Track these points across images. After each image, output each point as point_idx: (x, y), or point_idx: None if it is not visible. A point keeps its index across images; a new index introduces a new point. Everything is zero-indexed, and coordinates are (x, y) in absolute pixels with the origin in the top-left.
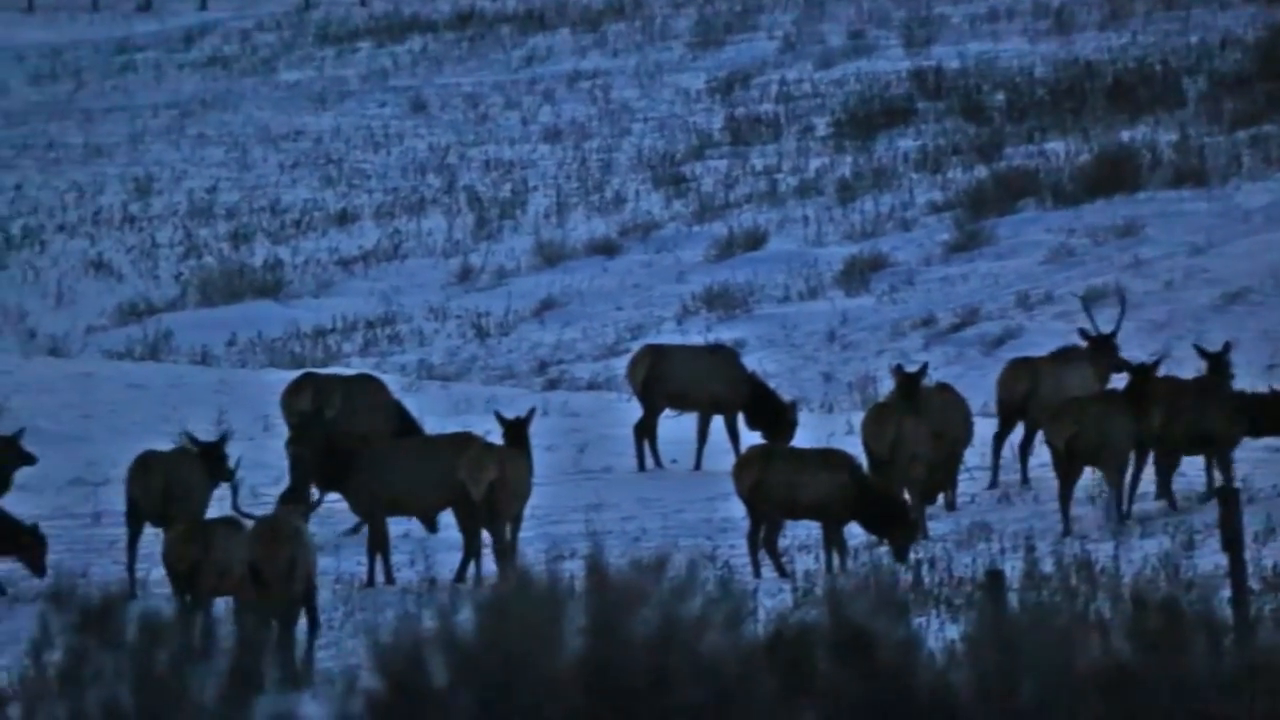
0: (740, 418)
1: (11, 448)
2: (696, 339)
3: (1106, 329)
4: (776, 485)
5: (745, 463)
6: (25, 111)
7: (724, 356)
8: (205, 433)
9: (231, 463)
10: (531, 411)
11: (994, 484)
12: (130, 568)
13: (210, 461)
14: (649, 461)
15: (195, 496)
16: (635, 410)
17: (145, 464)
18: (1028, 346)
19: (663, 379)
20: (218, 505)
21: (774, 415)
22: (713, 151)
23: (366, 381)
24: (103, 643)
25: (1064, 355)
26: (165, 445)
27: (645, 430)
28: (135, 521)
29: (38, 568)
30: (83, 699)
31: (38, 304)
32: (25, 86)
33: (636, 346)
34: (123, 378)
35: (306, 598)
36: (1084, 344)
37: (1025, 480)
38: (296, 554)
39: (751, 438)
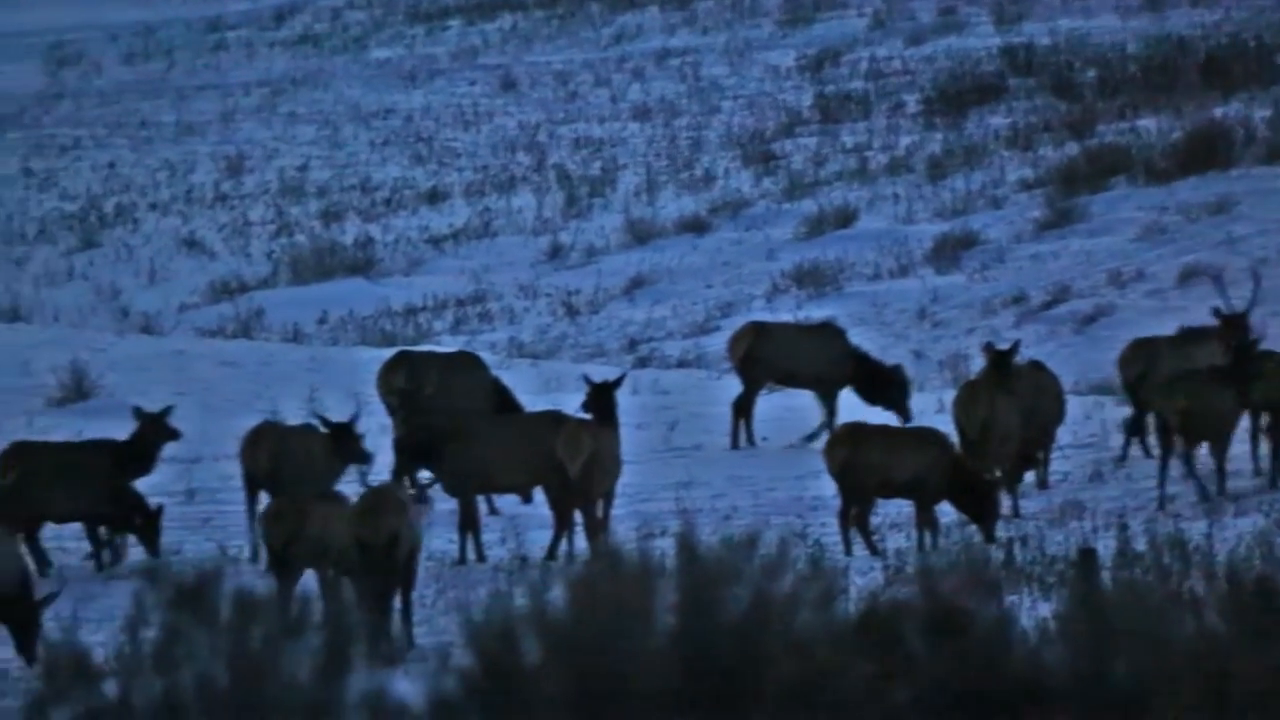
0: (849, 394)
1: (160, 425)
2: (786, 317)
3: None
4: (869, 463)
5: (837, 441)
6: (118, 90)
7: (830, 333)
8: (340, 410)
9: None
10: (623, 376)
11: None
12: (252, 535)
13: (340, 441)
14: (741, 439)
15: (310, 473)
16: (725, 387)
17: (256, 436)
18: (1119, 325)
19: (765, 356)
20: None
21: (885, 384)
22: (802, 129)
23: (464, 359)
24: (197, 620)
25: (1193, 335)
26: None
27: (743, 407)
28: (250, 491)
29: (153, 546)
30: (177, 676)
31: (131, 282)
32: (118, 65)
33: (726, 324)
34: (215, 355)
35: (407, 574)
36: (1212, 322)
37: (1123, 458)
38: (400, 529)
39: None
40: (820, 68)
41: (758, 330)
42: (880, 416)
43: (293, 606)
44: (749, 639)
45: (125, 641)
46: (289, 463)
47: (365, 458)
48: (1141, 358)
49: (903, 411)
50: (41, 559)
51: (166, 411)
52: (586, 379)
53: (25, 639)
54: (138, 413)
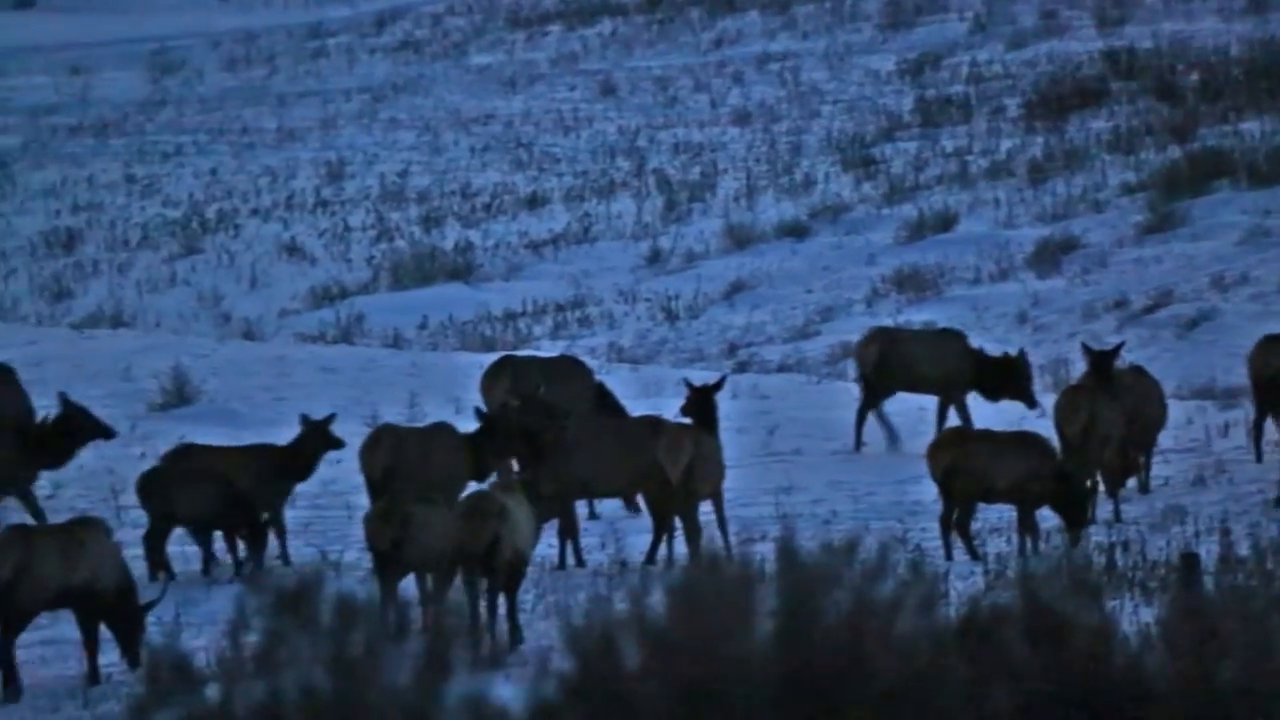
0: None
1: (323, 432)
2: (886, 321)
3: None
4: (972, 468)
5: (940, 445)
6: (220, 97)
7: (953, 338)
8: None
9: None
10: (722, 379)
11: (1259, 458)
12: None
13: (483, 446)
14: (841, 444)
15: (429, 475)
16: (824, 392)
17: (376, 438)
18: (1222, 329)
19: (893, 362)
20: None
21: (1010, 377)
22: (902, 133)
23: (568, 363)
24: (298, 624)
25: None
26: (357, 428)
27: (866, 412)
28: (373, 495)
29: (258, 556)
30: (278, 680)
31: (232, 287)
32: (220, 72)
33: (826, 329)
34: (315, 361)
35: (510, 577)
36: None
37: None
38: (501, 532)
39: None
40: (921, 72)
41: (884, 336)
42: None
43: (393, 611)
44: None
45: (227, 646)
46: (404, 463)
47: (492, 468)
48: (1276, 353)
49: (1029, 399)
50: (163, 563)
51: (329, 420)
52: (687, 383)
53: (128, 642)
54: (304, 420)
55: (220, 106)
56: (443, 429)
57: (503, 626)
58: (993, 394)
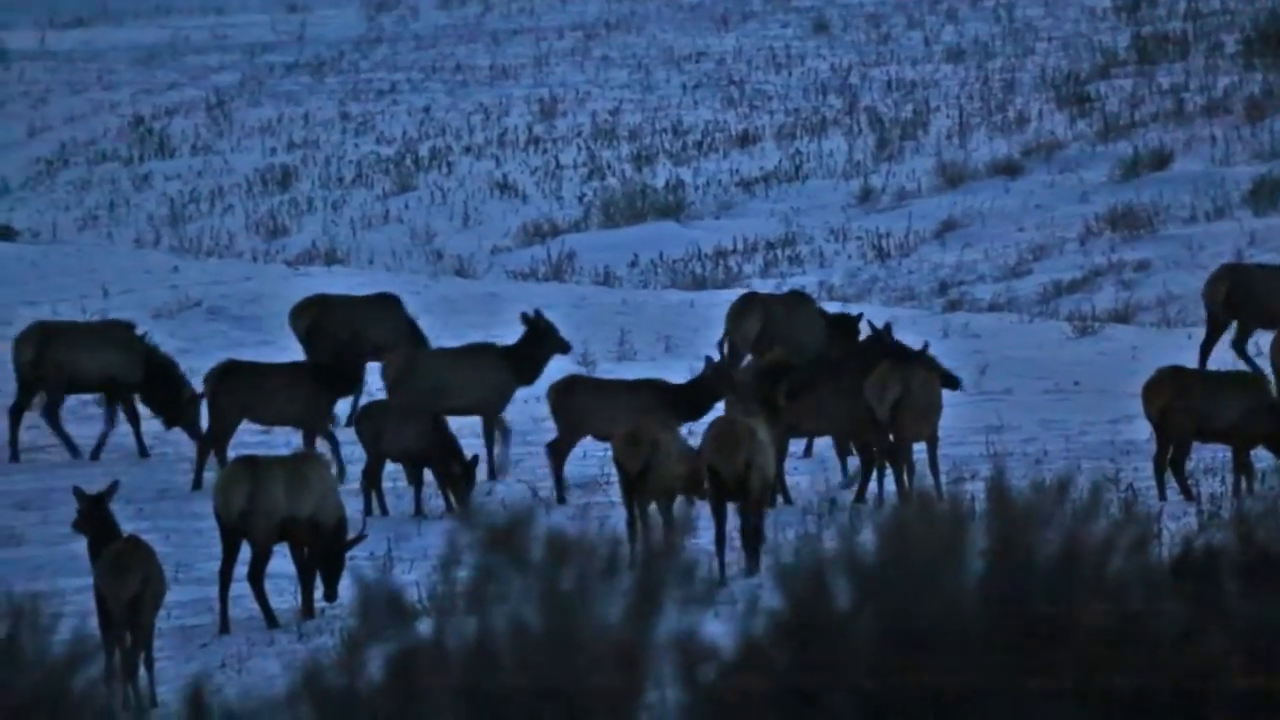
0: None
1: (552, 333)
2: (1100, 260)
3: None
4: (1189, 408)
5: (1156, 385)
6: (434, 34)
7: None
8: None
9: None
10: (925, 346)
11: None
12: None
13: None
14: (1053, 383)
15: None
16: (1035, 331)
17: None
18: None
19: (1240, 298)
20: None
21: None
22: (1118, 70)
23: (799, 298)
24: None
25: None
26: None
27: (1209, 349)
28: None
29: (463, 500)
30: (489, 616)
31: (445, 225)
32: (434, 10)
33: (1038, 267)
34: (527, 298)
35: (759, 502)
36: None
37: None
38: (754, 457)
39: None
40: (1137, 8)
41: (1234, 271)
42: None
43: (639, 534)
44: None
45: (439, 581)
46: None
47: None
48: None
49: None
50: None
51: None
52: (870, 325)
53: (333, 576)
54: (525, 318)
55: (434, 44)
56: (652, 384)
57: (743, 549)
58: None
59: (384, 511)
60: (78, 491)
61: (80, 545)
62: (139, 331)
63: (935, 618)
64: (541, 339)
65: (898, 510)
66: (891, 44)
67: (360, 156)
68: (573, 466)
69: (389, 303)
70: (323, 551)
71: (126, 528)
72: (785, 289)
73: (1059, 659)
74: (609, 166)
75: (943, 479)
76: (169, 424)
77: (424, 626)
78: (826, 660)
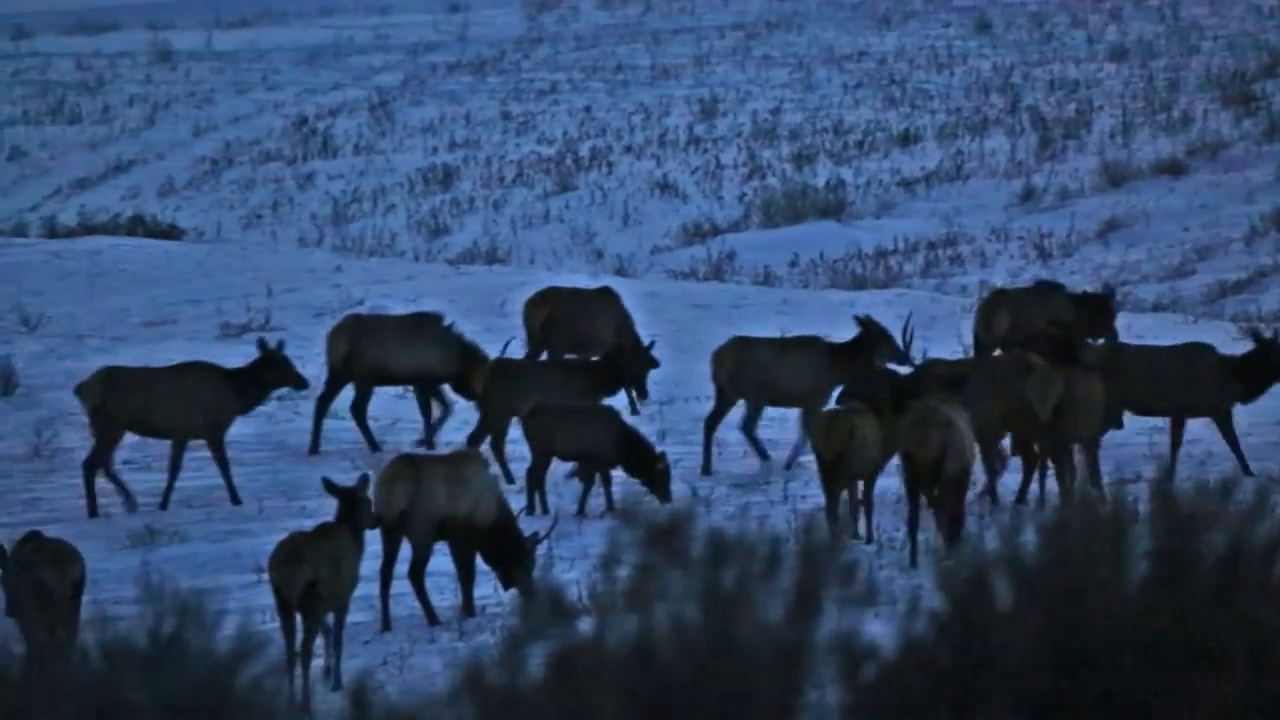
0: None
1: (638, 350)
2: (1267, 260)
3: None
4: None
5: None
6: (595, 34)
7: None
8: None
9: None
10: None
11: None
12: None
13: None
14: None
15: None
16: (1199, 332)
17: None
18: None
19: None
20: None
21: None
22: None
23: (1048, 290)
24: (670, 559)
25: None
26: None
27: None
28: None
29: (664, 493)
30: (650, 614)
31: (605, 224)
32: (595, 10)
33: (1202, 268)
34: (687, 297)
35: (956, 489)
36: None
37: None
38: (948, 442)
39: None
40: None
41: None
42: None
43: (834, 520)
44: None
45: (599, 580)
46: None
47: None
48: None
49: None
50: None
51: (651, 345)
52: (1050, 323)
53: (511, 574)
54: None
55: (595, 44)
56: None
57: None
58: None
59: (545, 510)
60: (327, 483)
61: (242, 542)
62: (446, 323)
63: (1097, 619)
64: (871, 341)
65: (1059, 511)
66: (1054, 43)
67: (521, 156)
68: (733, 465)
69: (610, 296)
70: (493, 550)
71: (304, 522)
72: (941, 290)
73: (1223, 662)
74: (769, 166)
75: (1105, 480)
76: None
77: (584, 625)
78: (987, 661)
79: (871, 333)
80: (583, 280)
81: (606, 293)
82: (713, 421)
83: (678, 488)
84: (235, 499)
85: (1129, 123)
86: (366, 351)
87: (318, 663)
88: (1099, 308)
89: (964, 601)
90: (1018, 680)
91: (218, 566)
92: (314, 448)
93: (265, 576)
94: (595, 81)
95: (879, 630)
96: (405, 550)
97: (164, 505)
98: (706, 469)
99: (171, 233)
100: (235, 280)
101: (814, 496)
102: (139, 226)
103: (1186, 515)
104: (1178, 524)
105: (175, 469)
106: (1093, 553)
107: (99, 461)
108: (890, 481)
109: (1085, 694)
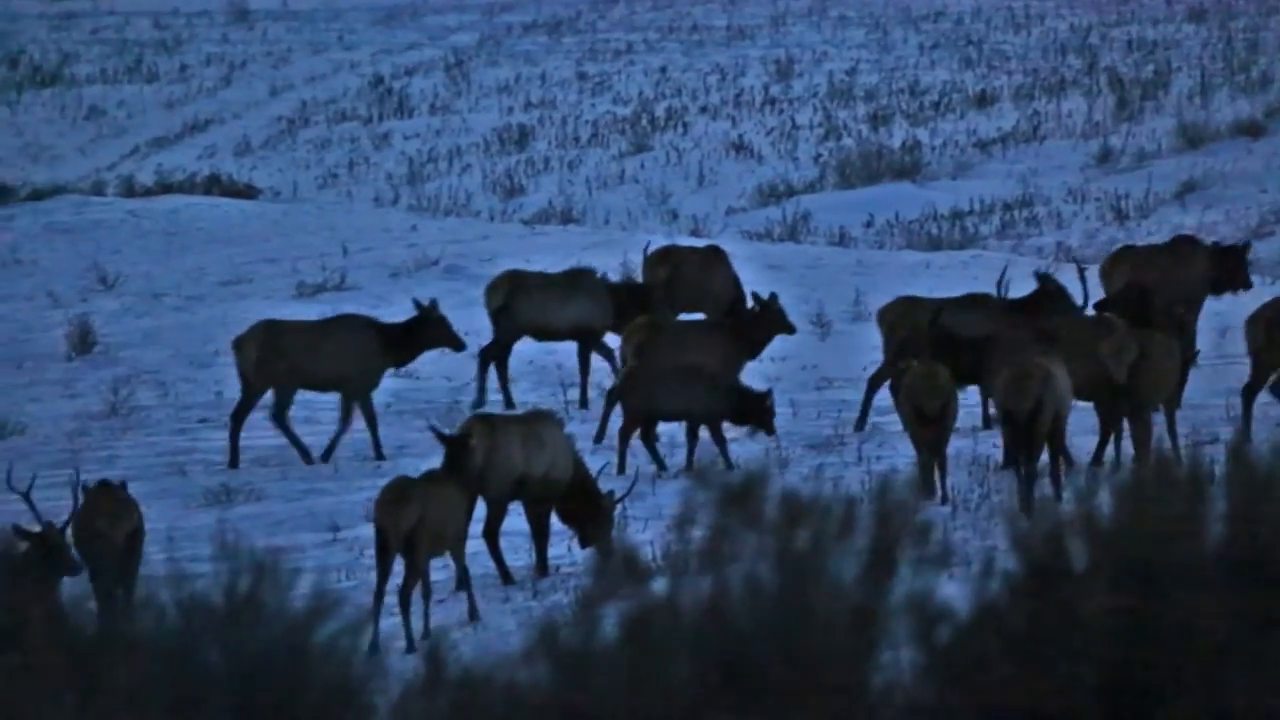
0: None
1: (777, 313)
2: None
3: None
4: None
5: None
6: None
7: None
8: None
9: None
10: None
11: None
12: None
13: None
14: None
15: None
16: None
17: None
18: None
19: None
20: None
21: None
22: None
23: (1184, 242)
24: (744, 520)
25: None
26: (803, 325)
27: None
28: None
29: (769, 428)
30: (724, 575)
31: (680, 185)
32: None
33: (1279, 229)
34: (762, 258)
35: (1053, 439)
36: None
37: None
38: (1045, 398)
39: None
40: None
41: None
42: None
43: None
44: None
45: (673, 540)
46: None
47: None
48: None
49: None
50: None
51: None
52: (1128, 285)
53: (590, 533)
54: (755, 297)
55: (671, 4)
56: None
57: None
58: None
59: (621, 470)
60: (435, 430)
61: (318, 501)
62: (599, 275)
63: (1173, 581)
64: (1049, 297)
65: (1135, 472)
66: (1132, 3)
67: (596, 116)
68: (808, 426)
69: (721, 255)
70: (570, 510)
71: (379, 481)
72: (1017, 251)
73: None
74: (845, 127)
75: (1182, 442)
76: None
77: (658, 586)
78: (1062, 623)
79: (1049, 289)
80: (659, 240)
81: (717, 251)
82: (876, 381)
83: (756, 450)
84: (380, 454)
85: (1207, 83)
86: (523, 308)
87: (404, 622)
88: (1238, 259)
89: (1039, 563)
90: (1092, 643)
91: (293, 525)
92: (479, 400)
93: (339, 535)
94: (671, 42)
95: (953, 592)
96: (480, 509)
97: (326, 458)
98: (861, 424)
99: (248, 192)
100: (311, 240)
101: (888, 458)
102: (215, 186)
103: (1263, 479)
104: (1254, 486)
105: (346, 422)
106: (1169, 515)
107: (243, 414)
108: (964, 443)
109: (1159, 656)
